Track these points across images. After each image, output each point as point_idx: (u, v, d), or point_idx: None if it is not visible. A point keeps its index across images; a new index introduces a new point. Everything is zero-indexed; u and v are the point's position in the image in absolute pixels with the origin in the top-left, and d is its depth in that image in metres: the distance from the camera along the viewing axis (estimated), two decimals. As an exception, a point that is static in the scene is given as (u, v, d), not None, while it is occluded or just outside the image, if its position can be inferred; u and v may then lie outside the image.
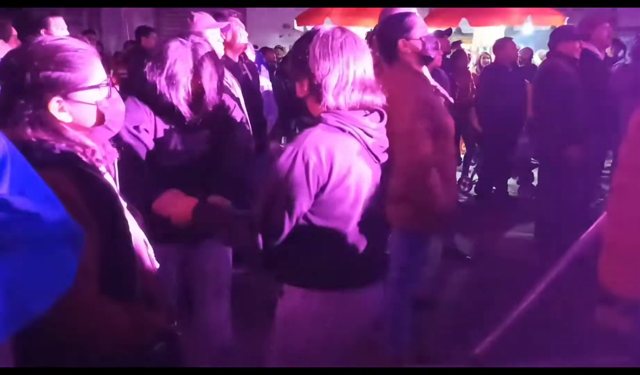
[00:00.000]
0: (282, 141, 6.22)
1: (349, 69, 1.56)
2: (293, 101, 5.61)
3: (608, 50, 5.21)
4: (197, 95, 2.08)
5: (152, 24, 9.80)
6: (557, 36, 4.22)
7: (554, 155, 4.30)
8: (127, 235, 1.36)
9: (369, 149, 1.62)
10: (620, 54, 6.59)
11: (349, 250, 1.65)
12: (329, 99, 1.56)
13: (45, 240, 1.07)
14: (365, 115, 1.63)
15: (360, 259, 1.68)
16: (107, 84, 1.37)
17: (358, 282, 1.68)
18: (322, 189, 1.55)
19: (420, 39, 2.45)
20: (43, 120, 1.27)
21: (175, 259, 2.22)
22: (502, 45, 5.56)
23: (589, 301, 3.29)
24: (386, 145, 1.71)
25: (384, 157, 1.71)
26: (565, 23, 7.76)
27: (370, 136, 1.62)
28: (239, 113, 2.60)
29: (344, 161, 1.55)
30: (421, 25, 2.47)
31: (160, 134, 2.13)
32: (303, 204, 1.55)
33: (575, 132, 4.10)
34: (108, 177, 1.39)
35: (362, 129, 1.60)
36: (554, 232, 4.44)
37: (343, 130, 1.57)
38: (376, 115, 1.66)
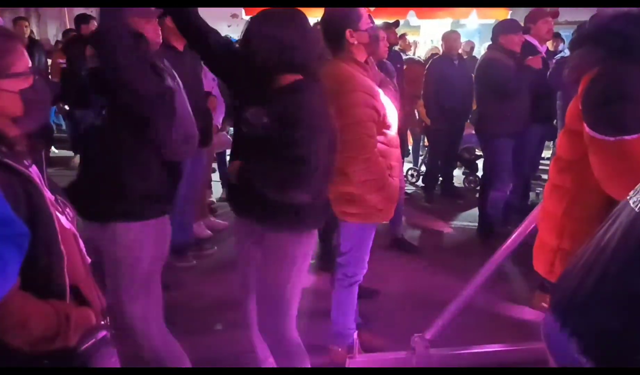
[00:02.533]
0: (229, 132, 6.13)
1: None
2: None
3: (549, 44, 5.36)
4: None
5: (94, 11, 9.45)
6: (499, 29, 4.33)
7: (491, 144, 4.44)
8: (50, 230, 1.29)
9: None
10: (560, 47, 6.81)
11: None
12: None
13: None
14: None
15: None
16: (32, 73, 1.32)
17: None
18: None
19: (366, 30, 2.45)
20: None
21: None
22: (448, 37, 5.67)
23: (529, 287, 3.42)
24: None
25: None
26: (509, 17, 7.97)
27: None
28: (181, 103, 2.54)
29: None
30: (367, 17, 2.47)
31: None
32: None
33: (512, 123, 4.23)
34: (33, 170, 1.32)
35: None
36: (495, 221, 4.58)
37: None
38: None
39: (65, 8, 9.58)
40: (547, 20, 4.36)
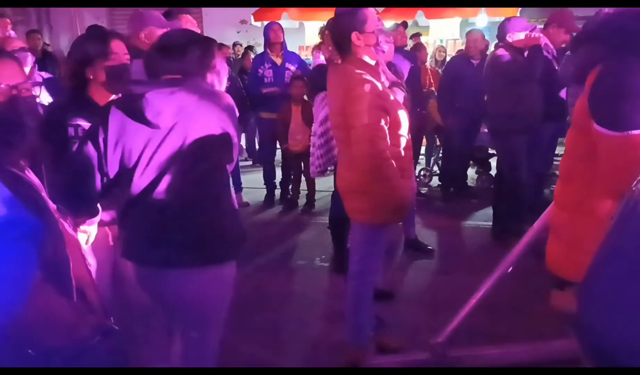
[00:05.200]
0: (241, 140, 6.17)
1: None
2: (251, 97, 5.57)
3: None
4: None
5: (105, 23, 9.57)
6: (505, 28, 4.32)
7: (503, 142, 4.42)
8: (56, 235, 1.35)
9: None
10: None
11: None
12: None
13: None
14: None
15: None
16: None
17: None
18: None
19: (374, 32, 2.45)
20: None
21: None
22: (469, 37, 5.66)
23: (545, 285, 3.40)
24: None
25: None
26: (518, 15, 7.93)
27: None
28: None
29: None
30: (374, 19, 2.47)
31: None
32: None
33: (524, 120, 4.21)
34: (35, 180, 1.39)
35: None
36: (510, 219, 4.55)
37: None
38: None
39: (77, 20, 9.71)
40: (562, 31, 4.34)
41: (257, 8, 8.84)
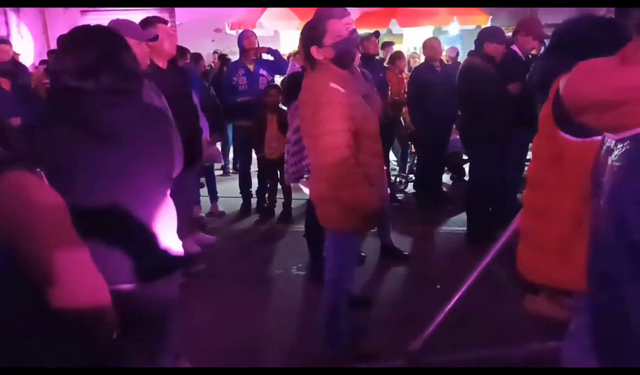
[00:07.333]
0: (219, 147, 6.14)
1: None
2: (226, 105, 5.54)
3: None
4: None
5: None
6: (484, 36, 4.38)
7: (475, 148, 4.48)
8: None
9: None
10: (542, 51, 6.90)
11: None
12: None
13: None
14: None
15: None
16: None
17: None
18: None
19: (331, 45, 2.41)
20: None
21: None
22: (429, 45, 5.73)
23: (519, 290, 3.43)
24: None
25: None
26: (489, 23, 8.07)
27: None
28: None
29: None
30: (333, 31, 2.41)
31: None
32: None
33: (496, 128, 4.27)
34: None
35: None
36: (484, 225, 4.60)
37: None
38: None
39: (49, 29, 9.59)
40: (529, 39, 4.43)
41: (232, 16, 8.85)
